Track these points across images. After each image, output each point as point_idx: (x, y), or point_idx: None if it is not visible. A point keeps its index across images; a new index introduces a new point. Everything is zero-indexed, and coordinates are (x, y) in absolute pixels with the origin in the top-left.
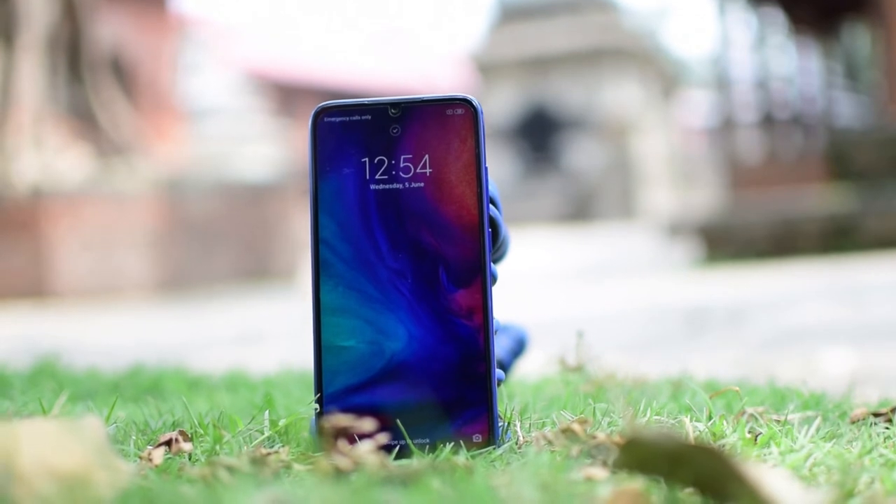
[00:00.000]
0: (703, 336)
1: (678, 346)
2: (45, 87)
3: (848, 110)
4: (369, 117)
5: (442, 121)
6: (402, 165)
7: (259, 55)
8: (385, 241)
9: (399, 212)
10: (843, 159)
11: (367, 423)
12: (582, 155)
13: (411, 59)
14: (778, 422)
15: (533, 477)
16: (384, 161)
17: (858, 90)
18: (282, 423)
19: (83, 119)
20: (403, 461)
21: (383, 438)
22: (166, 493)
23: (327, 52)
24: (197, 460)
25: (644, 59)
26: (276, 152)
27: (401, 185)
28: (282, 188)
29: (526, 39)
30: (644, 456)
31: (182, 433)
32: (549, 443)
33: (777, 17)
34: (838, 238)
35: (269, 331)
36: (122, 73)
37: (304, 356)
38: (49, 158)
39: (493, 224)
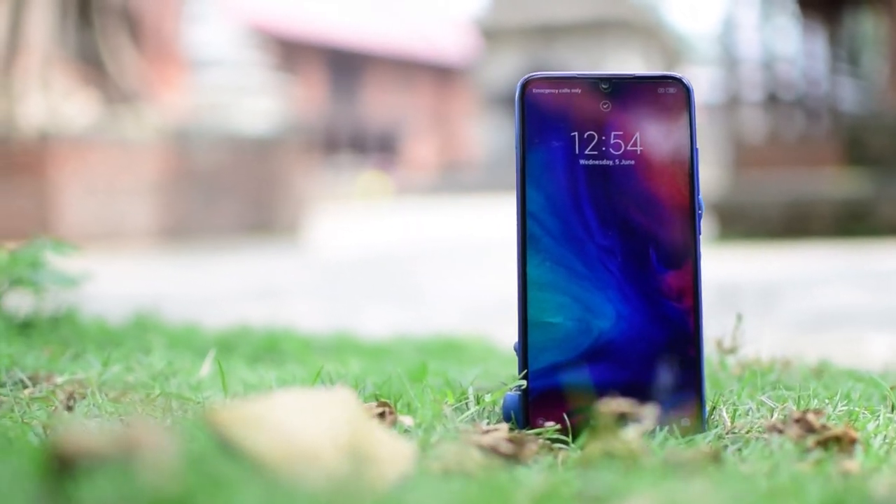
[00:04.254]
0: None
1: (715, 324)
2: (54, 30)
3: (850, 95)
4: (579, 91)
5: (653, 99)
6: (612, 142)
7: (263, 9)
8: (594, 218)
9: (608, 188)
10: (857, 144)
11: (648, 410)
12: None
13: (415, 21)
14: None
15: (793, 468)
16: (594, 136)
17: (859, 75)
18: (487, 398)
19: (91, 64)
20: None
21: (651, 423)
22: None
23: (330, 10)
24: (406, 432)
25: (648, 33)
26: (275, 107)
27: (611, 162)
28: (286, 143)
29: (532, 6)
30: None
31: (385, 404)
32: (780, 432)
33: None
34: (852, 222)
35: (282, 286)
36: (130, 19)
37: (337, 318)
38: (56, 102)
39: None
